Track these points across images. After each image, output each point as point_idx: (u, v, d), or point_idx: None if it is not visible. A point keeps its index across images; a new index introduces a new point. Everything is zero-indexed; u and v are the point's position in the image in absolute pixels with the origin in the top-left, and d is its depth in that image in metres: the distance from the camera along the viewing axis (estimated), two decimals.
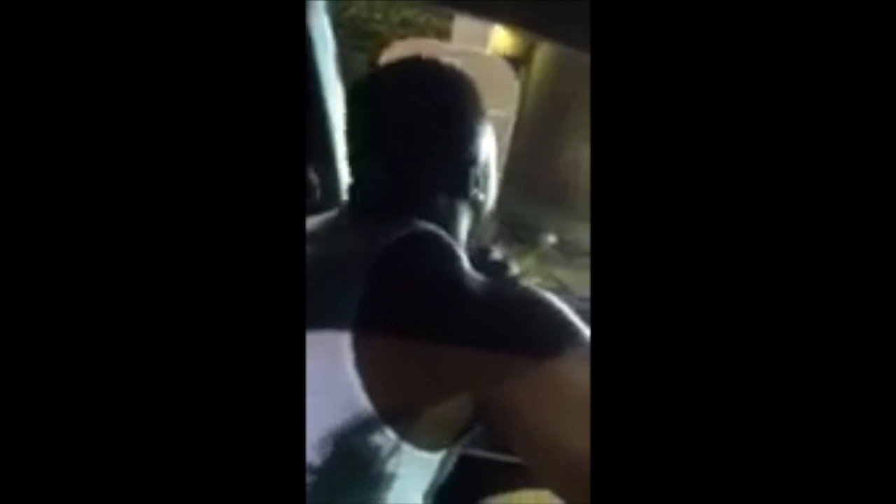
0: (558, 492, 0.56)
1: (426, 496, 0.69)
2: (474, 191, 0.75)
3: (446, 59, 0.76)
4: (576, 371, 0.55)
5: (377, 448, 0.60)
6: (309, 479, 0.60)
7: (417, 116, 0.72)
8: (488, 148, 0.77)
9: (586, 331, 0.59)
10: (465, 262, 0.65)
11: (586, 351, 0.57)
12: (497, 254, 0.82)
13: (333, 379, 0.58)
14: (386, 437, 0.59)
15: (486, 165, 0.77)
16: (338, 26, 1.04)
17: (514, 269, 0.83)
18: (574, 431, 0.51)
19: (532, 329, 0.59)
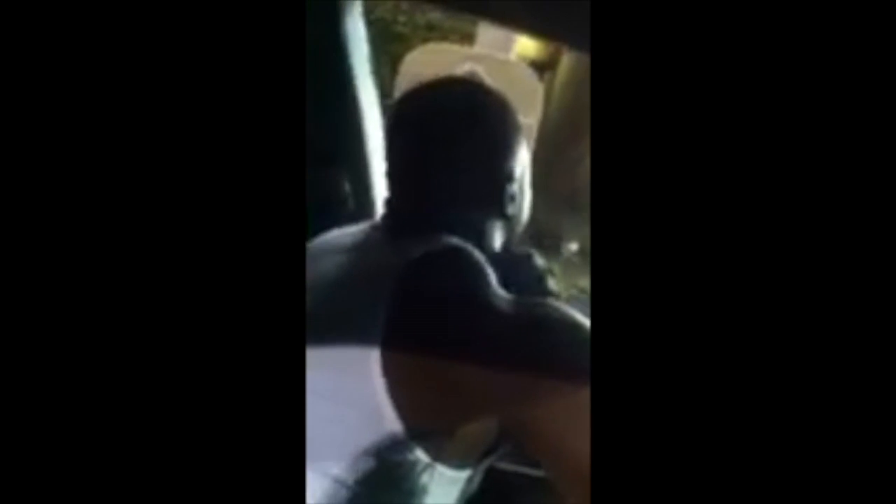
0: None
1: None
2: (510, 207, 0.75)
3: (483, 77, 0.76)
4: None
5: (406, 466, 0.60)
6: (339, 493, 0.60)
7: (454, 134, 0.72)
8: (523, 164, 0.77)
9: None
10: (493, 279, 0.64)
11: None
12: (538, 261, 0.81)
13: (362, 394, 0.58)
14: (415, 456, 0.59)
15: (522, 181, 0.77)
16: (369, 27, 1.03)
17: (551, 282, 0.82)
18: None
19: (558, 348, 0.59)
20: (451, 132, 0.72)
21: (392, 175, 0.77)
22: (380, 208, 0.78)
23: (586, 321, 0.61)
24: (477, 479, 0.70)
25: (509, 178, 0.74)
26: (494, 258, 0.71)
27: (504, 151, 0.74)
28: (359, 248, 0.73)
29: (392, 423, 0.58)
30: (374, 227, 0.77)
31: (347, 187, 0.99)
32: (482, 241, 0.72)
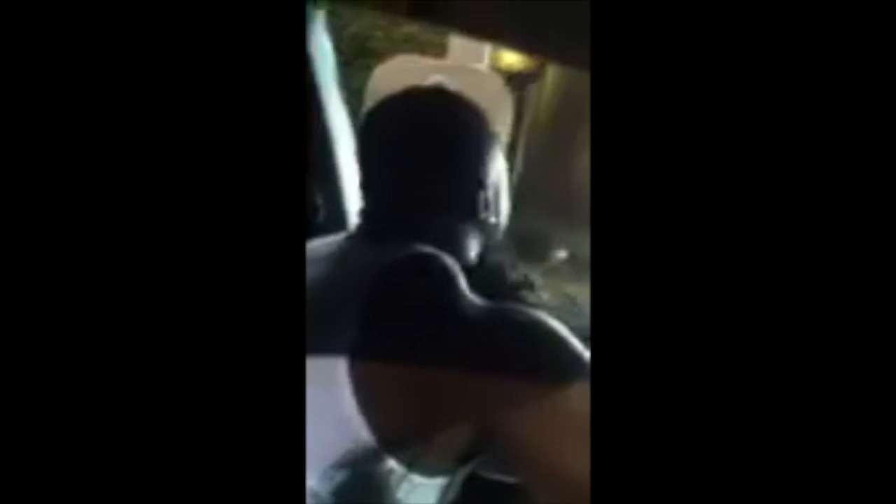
0: None
1: None
2: (483, 213, 0.75)
3: (452, 87, 0.76)
4: (577, 396, 0.55)
5: (381, 476, 0.61)
6: (311, 503, 0.60)
7: (423, 142, 0.74)
8: (498, 171, 0.78)
9: (584, 351, 0.59)
10: (464, 285, 0.65)
11: (585, 374, 0.57)
12: (515, 275, 0.81)
13: (333, 405, 0.59)
14: (389, 466, 0.60)
15: (496, 188, 0.78)
16: (339, 44, 1.04)
17: (516, 275, 0.81)
18: (577, 457, 0.51)
19: (529, 352, 0.60)
20: (420, 141, 0.74)
21: (364, 185, 0.78)
22: (353, 218, 0.79)
23: (560, 326, 0.62)
24: (454, 489, 0.70)
25: (481, 184, 0.75)
26: (470, 267, 0.71)
27: (475, 158, 0.75)
28: (330, 259, 0.73)
29: (364, 433, 0.59)
30: (348, 238, 0.78)
31: (318, 198, 0.99)
32: (456, 248, 0.73)
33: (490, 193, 0.76)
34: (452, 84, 0.78)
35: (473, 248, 0.77)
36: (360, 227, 0.78)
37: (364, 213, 0.79)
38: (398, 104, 0.78)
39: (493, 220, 0.78)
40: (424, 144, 0.74)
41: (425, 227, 0.73)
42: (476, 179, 0.75)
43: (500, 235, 0.83)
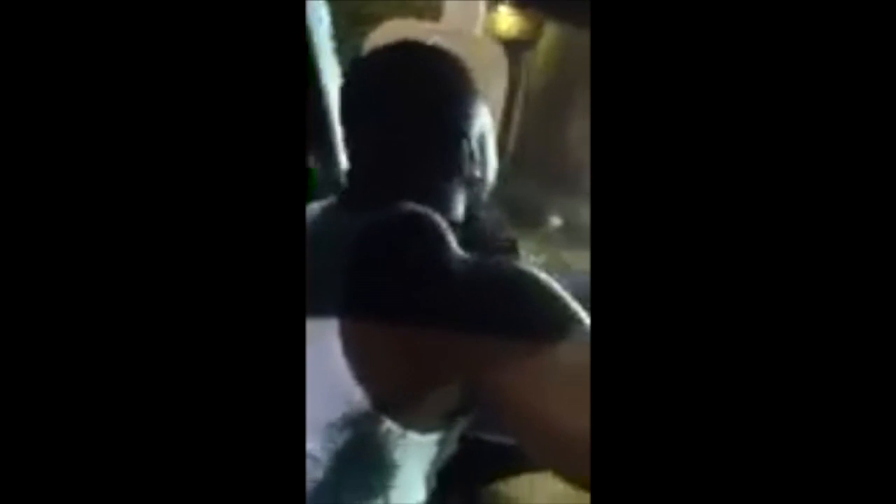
0: (558, 471, 0.56)
1: (428, 478, 0.69)
2: (468, 166, 0.74)
3: (431, 40, 0.75)
4: (569, 352, 0.55)
5: (378, 436, 0.60)
6: (313, 469, 0.60)
7: (404, 97, 0.72)
8: (482, 124, 0.77)
9: (576, 307, 0.59)
10: (452, 242, 0.64)
11: (578, 329, 0.57)
12: (489, 220, 0.81)
13: (327, 367, 0.58)
14: (386, 426, 0.60)
15: (481, 142, 0.77)
16: (335, 9, 1.03)
17: (503, 235, 0.81)
18: (568, 410, 0.51)
19: (520, 308, 0.59)
20: (398, 94, 0.72)
21: (348, 144, 0.77)
22: (343, 182, 0.78)
23: (552, 281, 0.61)
24: (451, 445, 0.70)
25: (465, 136, 0.73)
26: (456, 225, 0.70)
27: (456, 110, 0.73)
28: (319, 221, 0.73)
29: (359, 395, 0.58)
30: (337, 199, 0.77)
31: (315, 164, 0.99)
32: (443, 205, 0.71)
33: (475, 146, 0.75)
34: (446, 46, 0.77)
35: (461, 205, 0.76)
36: (348, 188, 0.77)
37: (350, 174, 0.77)
38: (374, 60, 0.76)
39: (478, 174, 0.76)
40: (403, 98, 0.72)
41: (411, 185, 0.71)
42: (459, 131, 0.73)
43: (487, 193, 0.81)
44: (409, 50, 0.75)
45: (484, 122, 0.77)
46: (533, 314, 0.58)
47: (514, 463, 0.83)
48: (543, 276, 0.61)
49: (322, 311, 0.59)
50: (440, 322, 0.58)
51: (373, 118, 0.73)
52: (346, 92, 0.77)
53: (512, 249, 0.83)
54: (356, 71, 0.77)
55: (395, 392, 0.60)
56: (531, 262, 0.81)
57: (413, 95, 0.72)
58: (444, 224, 0.66)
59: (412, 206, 0.67)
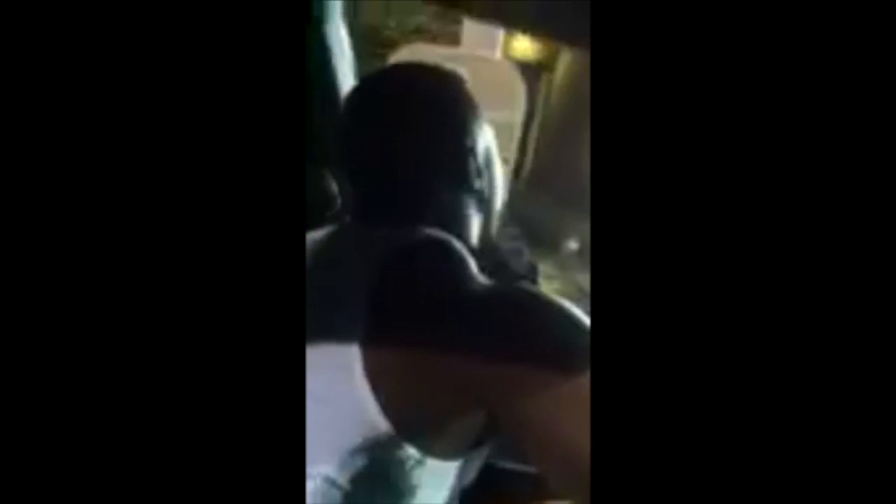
0: (579, 501, 0.55)
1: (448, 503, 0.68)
2: (477, 182, 0.74)
3: (428, 62, 0.76)
4: (589, 378, 0.54)
5: (397, 462, 0.59)
6: (331, 493, 0.60)
7: (405, 116, 0.72)
8: (486, 139, 0.77)
9: None
10: (474, 269, 0.64)
11: None
12: (510, 248, 0.81)
13: (348, 393, 0.58)
14: (406, 452, 0.59)
15: (487, 156, 0.77)
16: (354, 33, 1.04)
17: (523, 262, 0.81)
18: (589, 440, 0.51)
19: (542, 336, 0.58)
20: (401, 113, 0.72)
21: (354, 168, 0.77)
22: (353, 202, 0.78)
23: (572, 306, 0.61)
24: (472, 471, 0.70)
25: (470, 152, 0.73)
26: (477, 253, 0.70)
27: (458, 126, 0.73)
28: (335, 245, 0.73)
29: (379, 420, 0.57)
30: (349, 224, 0.77)
31: (334, 188, 0.99)
32: (457, 226, 0.72)
33: (481, 161, 0.75)
34: (466, 73, 0.78)
35: (475, 225, 0.76)
36: (358, 211, 0.77)
37: (358, 197, 0.77)
38: (374, 82, 0.77)
39: (487, 191, 0.77)
40: (406, 117, 0.72)
41: (423, 206, 0.71)
42: (463, 147, 0.73)
43: (497, 212, 0.81)
44: (407, 70, 0.76)
45: (487, 138, 0.77)
46: (555, 342, 0.58)
47: (536, 490, 0.82)
48: (566, 304, 0.61)
49: (345, 335, 0.58)
50: (462, 349, 0.57)
51: (375, 139, 0.74)
52: (347, 115, 0.77)
53: (533, 277, 0.83)
54: (356, 95, 0.78)
55: (415, 418, 0.59)
56: (546, 286, 0.81)
57: (415, 114, 0.72)
58: (464, 250, 0.66)
59: (431, 230, 0.67)
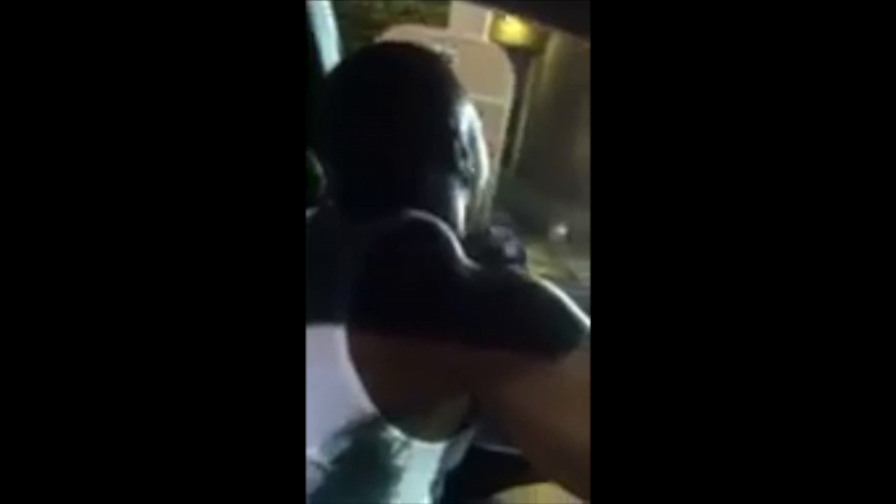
0: (565, 485, 0.55)
1: (433, 488, 0.68)
2: (462, 163, 0.72)
3: (411, 41, 0.75)
4: (575, 362, 0.53)
5: (382, 444, 0.59)
6: (316, 476, 0.59)
7: (387, 97, 0.70)
8: (470, 119, 0.75)
9: (585, 320, 0.58)
10: (460, 252, 0.63)
11: (586, 341, 0.56)
12: (498, 234, 0.80)
13: (332, 375, 0.57)
14: (390, 434, 0.58)
15: (472, 136, 0.75)
16: (340, 17, 1.03)
17: (512, 249, 0.81)
18: (575, 423, 0.50)
19: (529, 320, 0.57)
20: (381, 95, 0.70)
21: (336, 151, 0.75)
22: (337, 184, 0.77)
23: (561, 293, 0.60)
24: (458, 453, 0.69)
25: (454, 132, 0.71)
26: (465, 238, 0.70)
27: (440, 105, 0.71)
28: (318, 226, 0.72)
29: (364, 403, 0.57)
30: (332, 207, 0.77)
31: (319, 169, 0.98)
32: (443, 208, 0.70)
33: (465, 142, 0.73)
34: (454, 55, 0.77)
35: (460, 207, 0.74)
36: (342, 193, 0.75)
37: (342, 178, 0.75)
38: (357, 62, 0.75)
39: (472, 172, 0.75)
40: (389, 97, 0.70)
41: (409, 186, 0.69)
42: (446, 127, 0.71)
43: (482, 193, 0.80)
44: (390, 50, 0.75)
45: (471, 117, 0.76)
46: (542, 326, 0.57)
47: (519, 473, 0.83)
48: (553, 288, 0.60)
49: (329, 318, 0.58)
50: (448, 332, 0.56)
51: (356, 121, 0.72)
52: (327, 97, 0.76)
53: (521, 261, 0.83)
54: (339, 75, 0.76)
55: (401, 400, 0.58)
56: (535, 272, 0.80)
57: (396, 94, 0.70)
58: (451, 233, 0.65)
59: (418, 213, 0.66)
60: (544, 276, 0.66)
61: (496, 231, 0.83)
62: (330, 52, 1.02)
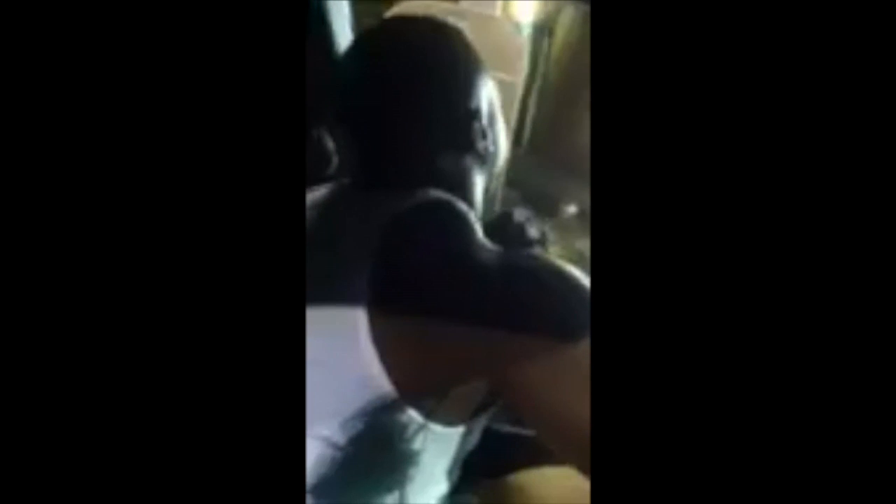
0: (580, 468, 0.56)
1: (450, 470, 0.68)
2: (481, 143, 0.72)
3: (430, 15, 0.73)
4: (588, 345, 0.53)
5: (399, 426, 0.59)
6: (333, 456, 0.60)
7: (407, 75, 0.70)
8: (489, 98, 0.75)
9: None
10: (478, 231, 0.63)
11: None
12: (519, 216, 0.80)
13: (350, 356, 0.57)
14: (407, 416, 0.59)
15: (491, 116, 0.75)
16: None
17: (533, 231, 0.80)
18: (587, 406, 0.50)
19: (550, 303, 0.58)
20: (400, 74, 0.70)
21: (355, 127, 0.75)
22: (353, 162, 0.76)
23: (579, 274, 0.60)
24: (474, 437, 0.70)
25: (474, 112, 0.71)
26: (486, 222, 0.69)
27: (464, 86, 0.71)
28: (336, 206, 0.71)
29: (382, 384, 0.57)
30: (350, 184, 0.75)
31: (331, 146, 0.98)
32: (460, 185, 0.70)
33: (485, 121, 0.73)
34: (466, 29, 0.75)
35: (479, 186, 0.74)
36: (358, 171, 0.75)
37: (357, 156, 0.75)
38: (372, 37, 0.74)
39: (490, 152, 0.75)
40: (405, 74, 0.69)
41: (427, 166, 0.70)
42: (467, 107, 0.71)
43: (499, 171, 0.80)
44: (406, 24, 0.74)
45: (491, 95, 0.75)
46: (562, 310, 0.57)
47: (535, 455, 0.83)
48: (575, 271, 0.60)
49: (348, 299, 0.57)
50: (468, 314, 0.56)
51: (377, 99, 0.71)
52: (346, 70, 0.74)
53: (543, 243, 0.82)
54: (354, 50, 0.75)
55: (419, 383, 0.59)
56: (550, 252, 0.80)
57: (415, 71, 0.70)
58: (468, 211, 0.64)
59: (435, 192, 0.65)
60: (555, 255, 0.66)
61: (518, 213, 0.83)
62: (342, 26, 1.01)
